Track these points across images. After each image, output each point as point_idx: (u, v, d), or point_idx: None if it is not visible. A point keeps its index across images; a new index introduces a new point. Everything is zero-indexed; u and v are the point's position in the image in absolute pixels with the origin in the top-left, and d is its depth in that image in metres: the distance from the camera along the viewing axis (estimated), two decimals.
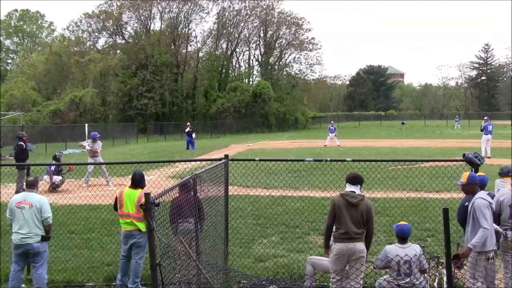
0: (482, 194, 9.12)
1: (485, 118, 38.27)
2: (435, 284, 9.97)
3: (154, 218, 6.61)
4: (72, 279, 11.64)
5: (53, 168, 23.13)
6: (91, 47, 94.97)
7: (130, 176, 10.97)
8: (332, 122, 59.74)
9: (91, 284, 11.48)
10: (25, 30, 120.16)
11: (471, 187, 9.23)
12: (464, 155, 10.63)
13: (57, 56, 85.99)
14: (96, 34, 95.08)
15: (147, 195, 6.49)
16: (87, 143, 26.22)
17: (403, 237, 9.54)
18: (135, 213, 10.51)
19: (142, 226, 10.38)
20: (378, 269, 9.60)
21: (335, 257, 9.30)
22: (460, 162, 10.82)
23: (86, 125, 29.18)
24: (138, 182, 10.87)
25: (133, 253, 10.76)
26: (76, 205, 17.94)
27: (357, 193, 9.32)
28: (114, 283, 11.21)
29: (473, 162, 10.31)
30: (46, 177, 23.35)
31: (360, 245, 9.22)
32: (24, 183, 11.09)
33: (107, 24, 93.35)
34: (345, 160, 11.72)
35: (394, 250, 9.38)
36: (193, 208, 9.06)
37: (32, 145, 24.72)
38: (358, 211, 9.18)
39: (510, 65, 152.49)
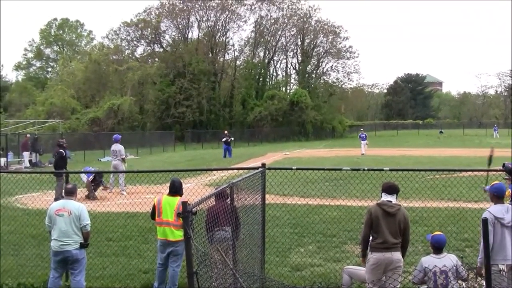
0: (492, 207, 9.03)
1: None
2: None
3: (191, 226, 6.64)
4: (109, 286, 11.72)
5: (90, 178, 23.36)
6: (130, 55, 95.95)
7: (168, 184, 11.03)
8: (362, 129, 59.72)
9: None
10: (65, 38, 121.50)
11: (491, 197, 9.17)
12: (504, 165, 10.50)
13: (96, 64, 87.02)
14: (135, 42, 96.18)
15: (184, 203, 6.51)
16: (124, 155, 26.15)
17: (439, 248, 9.40)
18: (174, 221, 10.55)
19: (180, 234, 10.41)
20: (418, 283, 9.44)
21: (372, 266, 9.25)
22: (500, 172, 10.70)
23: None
24: (177, 189, 10.92)
25: (171, 261, 10.81)
26: (114, 213, 18.07)
27: (393, 202, 9.26)
28: None
29: None
30: (84, 178, 23.55)
31: (398, 255, 9.17)
32: (63, 191, 11.20)
33: (145, 32, 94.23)
34: (382, 170, 11.65)
35: (430, 261, 9.23)
36: (230, 216, 9.06)
37: (71, 152, 24.82)
38: (396, 220, 9.13)
39: None
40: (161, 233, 10.76)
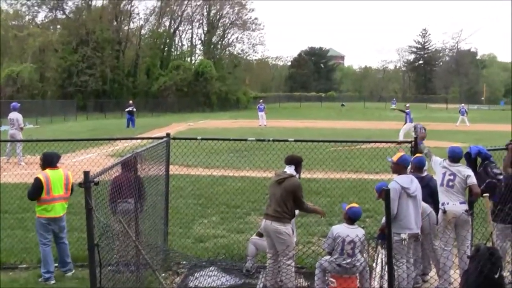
0: (399, 177, 9.23)
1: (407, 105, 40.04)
2: (374, 265, 10.01)
3: (93, 197, 6.46)
4: (4, 260, 11.27)
5: None
6: (30, 21, 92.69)
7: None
8: (261, 101, 60.19)
9: (24, 266, 11.15)
10: None
11: (399, 168, 9.33)
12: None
13: None
14: (36, 8, 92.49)
15: (86, 173, 6.32)
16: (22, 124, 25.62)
17: (354, 219, 9.38)
18: (64, 193, 10.37)
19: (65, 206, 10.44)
20: (330, 251, 9.43)
21: (264, 234, 9.58)
22: (403, 144, 10.95)
23: None
24: (56, 161, 10.55)
25: (59, 236, 10.48)
26: (11, 184, 17.50)
27: (287, 172, 9.29)
28: None
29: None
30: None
31: (276, 225, 9.14)
32: None
33: None
34: (287, 140, 11.74)
35: (342, 230, 9.23)
36: (133, 187, 8.88)
37: None
38: (281, 189, 9.16)
39: (446, 50, 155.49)
40: (52, 210, 10.29)
